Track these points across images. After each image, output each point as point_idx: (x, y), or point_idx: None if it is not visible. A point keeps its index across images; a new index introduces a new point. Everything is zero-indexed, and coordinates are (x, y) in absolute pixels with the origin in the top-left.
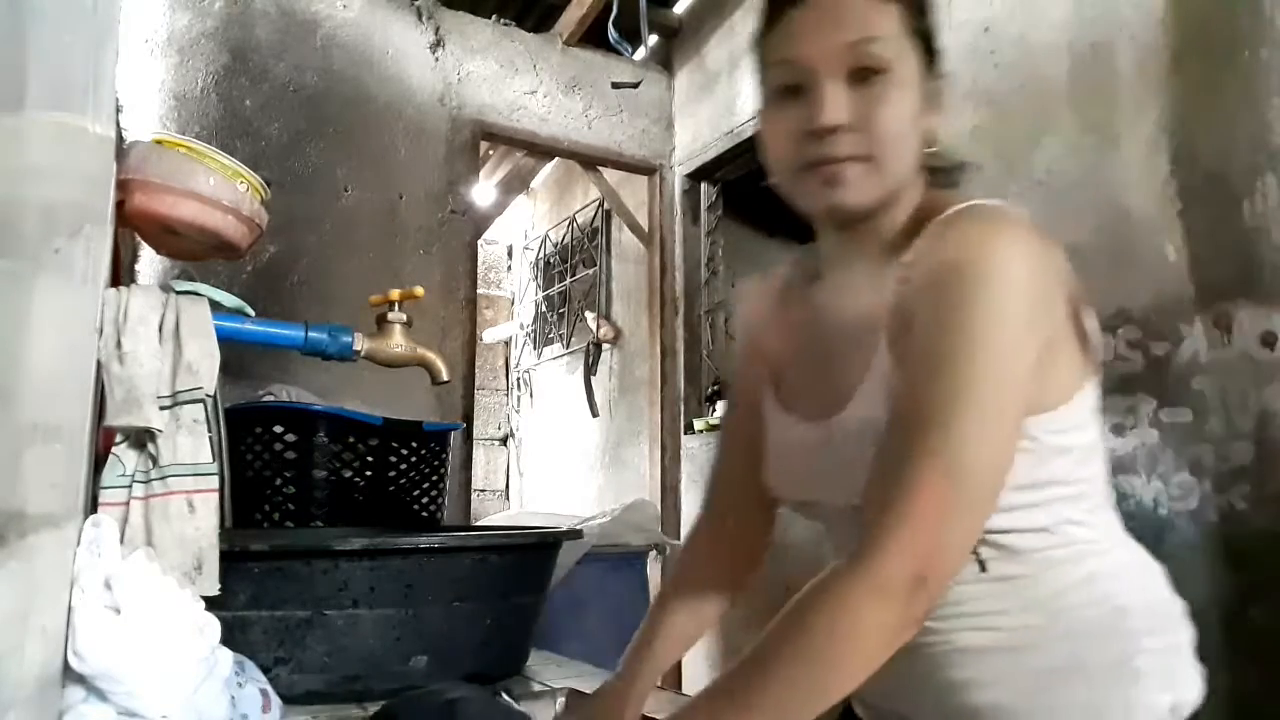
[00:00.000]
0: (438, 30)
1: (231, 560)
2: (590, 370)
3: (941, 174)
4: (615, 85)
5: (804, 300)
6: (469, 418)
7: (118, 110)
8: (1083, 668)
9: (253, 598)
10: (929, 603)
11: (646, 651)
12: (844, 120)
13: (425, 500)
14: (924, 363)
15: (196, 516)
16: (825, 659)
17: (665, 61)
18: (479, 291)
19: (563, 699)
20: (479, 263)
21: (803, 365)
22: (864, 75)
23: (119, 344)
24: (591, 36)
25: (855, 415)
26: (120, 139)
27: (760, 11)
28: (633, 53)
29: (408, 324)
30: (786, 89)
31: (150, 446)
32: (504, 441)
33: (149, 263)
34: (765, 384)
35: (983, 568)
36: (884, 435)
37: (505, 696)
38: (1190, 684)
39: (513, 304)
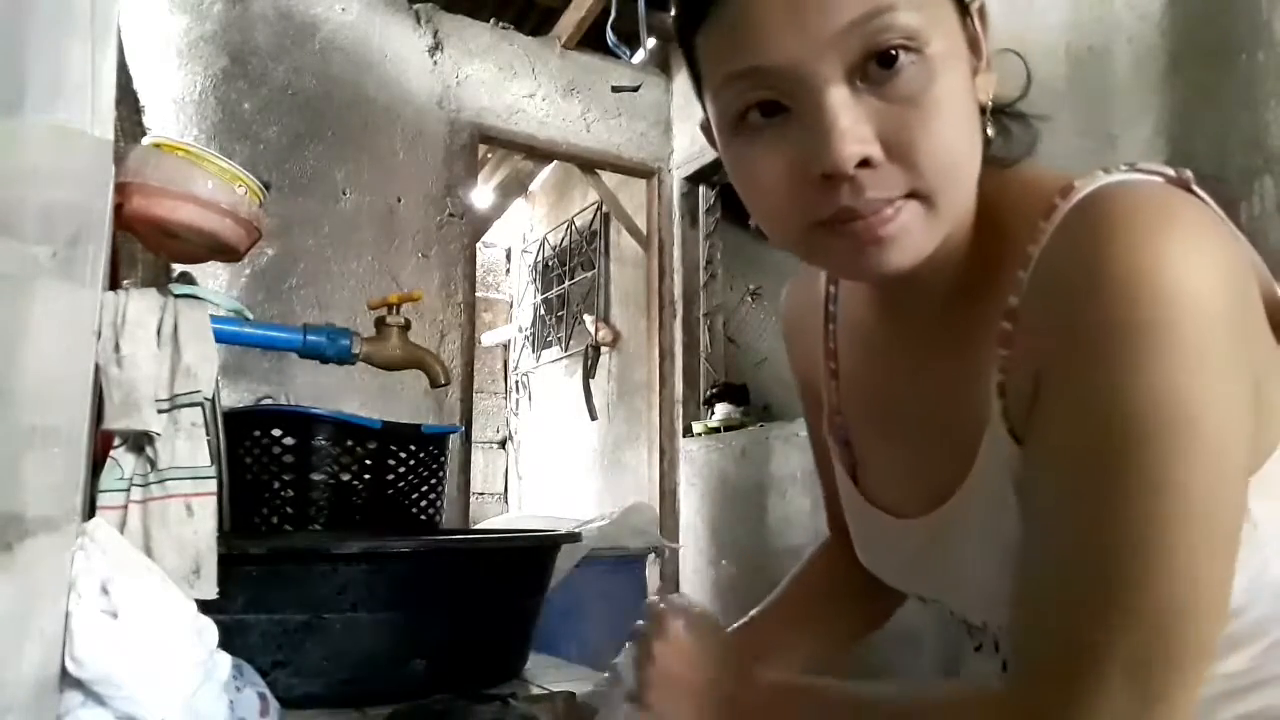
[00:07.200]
0: (436, 34)
1: (230, 564)
2: (589, 373)
3: (995, 139)
4: (616, 89)
5: (859, 343)
6: (468, 421)
7: (140, 111)
8: None
9: (251, 601)
10: None
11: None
12: (868, 151)
13: (424, 503)
14: (1087, 472)
15: (195, 520)
16: None
17: (664, 65)
18: (477, 294)
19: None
20: (477, 266)
21: (880, 449)
22: (884, 63)
23: (117, 347)
24: (590, 40)
25: (957, 517)
26: (141, 139)
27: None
28: (631, 56)
29: (406, 327)
30: (760, 110)
31: (148, 450)
32: (503, 444)
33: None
34: (830, 440)
35: None
36: (1036, 559)
37: (514, 702)
38: None
39: (511, 307)
